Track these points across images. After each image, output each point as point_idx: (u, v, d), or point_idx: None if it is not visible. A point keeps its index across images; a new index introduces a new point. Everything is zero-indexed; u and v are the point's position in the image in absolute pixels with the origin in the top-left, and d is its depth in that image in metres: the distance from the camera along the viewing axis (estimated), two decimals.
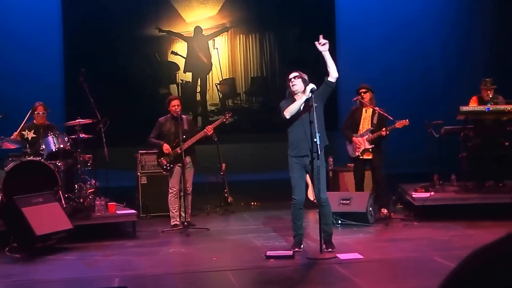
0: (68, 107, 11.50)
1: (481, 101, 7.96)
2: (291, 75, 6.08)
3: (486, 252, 0.71)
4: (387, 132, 7.61)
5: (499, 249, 0.70)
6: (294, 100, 5.98)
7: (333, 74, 5.93)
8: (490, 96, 7.85)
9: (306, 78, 6.04)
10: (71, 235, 6.64)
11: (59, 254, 6.33)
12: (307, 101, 5.88)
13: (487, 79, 7.95)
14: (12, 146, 7.40)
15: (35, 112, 7.74)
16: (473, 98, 8.05)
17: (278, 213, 8.31)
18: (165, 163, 7.54)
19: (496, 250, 0.70)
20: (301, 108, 5.91)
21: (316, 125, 5.73)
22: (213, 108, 13.00)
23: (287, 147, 6.11)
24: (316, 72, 6.27)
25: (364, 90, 7.85)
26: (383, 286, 4.99)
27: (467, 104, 7.94)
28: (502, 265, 0.67)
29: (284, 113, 5.93)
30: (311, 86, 5.87)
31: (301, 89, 5.98)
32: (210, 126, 7.64)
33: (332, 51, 13.50)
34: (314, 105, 5.81)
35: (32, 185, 6.86)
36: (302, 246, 6.11)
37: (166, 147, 7.48)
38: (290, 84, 6.03)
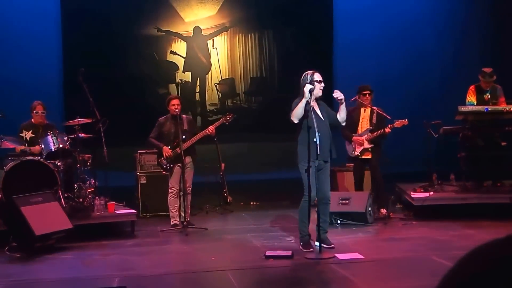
0: (67, 106, 11.50)
1: (479, 91, 7.99)
2: (318, 77, 5.95)
3: (486, 255, 0.69)
4: (390, 130, 7.64)
5: (500, 253, 0.68)
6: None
7: (340, 121, 6.06)
8: (488, 88, 7.91)
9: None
10: (71, 234, 6.64)
11: (58, 253, 6.33)
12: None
13: (486, 71, 7.96)
14: (12, 146, 7.39)
15: (34, 111, 7.70)
16: (471, 88, 8.07)
17: (277, 213, 8.31)
18: (165, 163, 7.55)
19: (497, 253, 0.68)
20: (309, 114, 5.80)
21: (315, 125, 5.74)
22: (212, 108, 13.02)
23: (296, 154, 5.97)
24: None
25: (369, 92, 7.87)
26: (381, 286, 5.00)
27: (465, 98, 7.97)
28: (503, 270, 0.66)
29: (292, 118, 5.88)
30: (309, 86, 5.83)
31: (318, 93, 5.96)
32: (212, 126, 7.63)
33: (329, 50, 13.54)
34: (312, 104, 5.83)
35: (31, 184, 6.86)
36: (312, 249, 5.97)
37: (166, 150, 7.48)
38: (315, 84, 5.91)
